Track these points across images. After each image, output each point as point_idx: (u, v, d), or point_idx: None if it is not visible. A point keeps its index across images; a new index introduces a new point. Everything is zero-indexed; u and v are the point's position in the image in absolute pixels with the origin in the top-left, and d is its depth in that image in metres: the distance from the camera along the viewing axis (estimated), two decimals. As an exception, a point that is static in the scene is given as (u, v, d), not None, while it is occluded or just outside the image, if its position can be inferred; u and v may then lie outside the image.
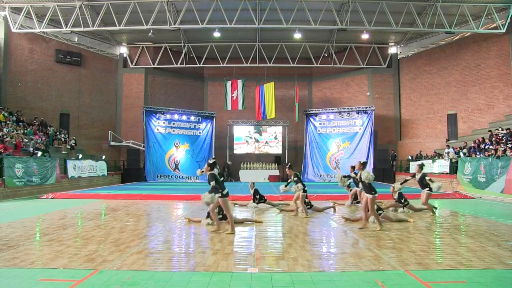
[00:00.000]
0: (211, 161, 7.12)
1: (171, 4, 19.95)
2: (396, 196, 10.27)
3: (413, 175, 10.20)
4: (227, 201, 7.07)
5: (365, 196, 7.53)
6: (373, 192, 7.40)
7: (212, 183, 6.85)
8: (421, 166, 10.01)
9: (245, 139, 27.49)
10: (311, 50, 25.82)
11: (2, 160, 13.53)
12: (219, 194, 6.90)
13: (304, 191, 9.54)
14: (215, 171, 7.01)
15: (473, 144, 18.41)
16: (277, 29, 22.68)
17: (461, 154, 18.10)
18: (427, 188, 9.65)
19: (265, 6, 19.90)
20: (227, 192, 7.08)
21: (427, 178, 9.83)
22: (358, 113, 25.27)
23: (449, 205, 12.09)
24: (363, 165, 7.81)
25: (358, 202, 11.06)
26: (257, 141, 27.48)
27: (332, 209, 10.28)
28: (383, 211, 8.58)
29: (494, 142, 16.82)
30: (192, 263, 5.15)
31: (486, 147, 16.82)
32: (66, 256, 5.43)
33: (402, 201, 10.14)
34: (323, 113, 26.55)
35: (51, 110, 22.97)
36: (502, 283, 4.36)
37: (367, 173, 7.45)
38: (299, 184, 9.53)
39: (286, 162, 26.99)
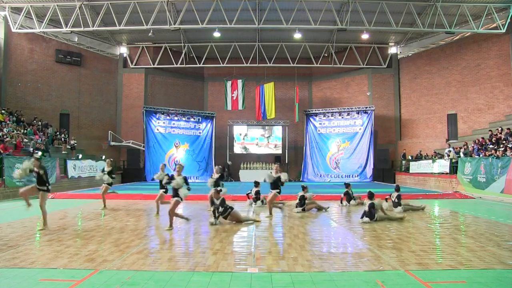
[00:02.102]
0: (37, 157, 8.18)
1: (171, 4, 19.95)
2: (394, 197, 10.36)
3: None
4: (45, 195, 7.79)
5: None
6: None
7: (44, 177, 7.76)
8: (278, 160, 10.36)
9: (256, 140, 27.49)
10: (311, 50, 25.81)
11: (2, 160, 13.53)
12: (45, 188, 7.73)
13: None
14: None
15: (473, 145, 18.41)
16: (277, 29, 22.67)
17: (461, 154, 18.10)
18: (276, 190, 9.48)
19: (265, 6, 19.90)
20: (48, 188, 7.86)
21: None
22: (358, 113, 25.28)
23: (449, 205, 12.09)
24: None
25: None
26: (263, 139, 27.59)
27: (323, 209, 10.51)
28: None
29: (494, 142, 16.83)
30: (192, 263, 5.15)
31: (488, 147, 16.83)
32: (66, 256, 5.43)
33: (397, 200, 10.34)
34: (323, 113, 26.55)
35: (51, 110, 22.97)
36: (502, 283, 4.36)
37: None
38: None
39: (287, 162, 27.04)
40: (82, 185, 18.84)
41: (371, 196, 8.78)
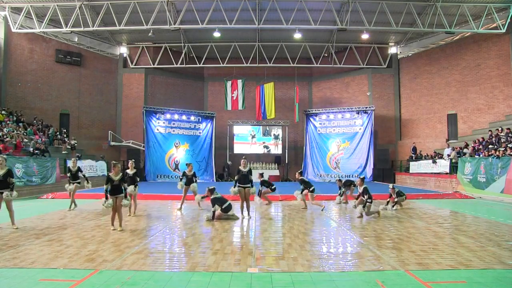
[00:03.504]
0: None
1: (171, 4, 19.94)
2: (394, 195, 10.73)
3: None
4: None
5: None
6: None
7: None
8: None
9: (249, 136, 27.55)
10: (311, 50, 25.81)
11: (2, 160, 13.51)
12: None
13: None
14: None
15: (473, 144, 18.41)
16: (277, 29, 22.66)
17: (465, 152, 18.08)
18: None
19: (265, 6, 19.90)
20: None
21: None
22: (358, 113, 25.27)
23: (449, 205, 12.09)
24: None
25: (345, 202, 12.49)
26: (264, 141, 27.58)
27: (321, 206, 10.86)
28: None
29: (494, 142, 16.83)
30: (192, 263, 5.15)
31: (490, 146, 16.84)
32: (66, 256, 5.43)
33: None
34: (323, 113, 26.54)
35: (51, 110, 22.96)
36: (502, 283, 4.37)
37: None
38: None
39: (287, 162, 27.02)
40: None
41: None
